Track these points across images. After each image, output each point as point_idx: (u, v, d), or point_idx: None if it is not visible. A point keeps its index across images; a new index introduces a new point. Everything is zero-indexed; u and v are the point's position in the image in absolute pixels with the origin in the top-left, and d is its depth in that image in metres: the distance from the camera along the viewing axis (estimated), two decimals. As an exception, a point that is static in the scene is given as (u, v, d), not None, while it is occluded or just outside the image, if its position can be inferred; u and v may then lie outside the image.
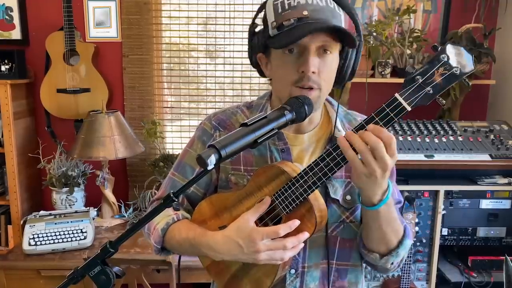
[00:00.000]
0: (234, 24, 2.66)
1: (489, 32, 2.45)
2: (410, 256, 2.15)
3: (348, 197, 1.04)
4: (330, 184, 1.03)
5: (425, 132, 2.34)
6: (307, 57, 0.92)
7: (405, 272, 2.11)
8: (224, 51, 2.72)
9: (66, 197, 2.46)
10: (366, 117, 0.86)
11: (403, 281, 2.12)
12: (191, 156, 1.13)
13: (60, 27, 2.47)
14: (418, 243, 2.26)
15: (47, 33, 2.49)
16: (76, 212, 2.33)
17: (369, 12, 2.63)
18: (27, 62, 2.56)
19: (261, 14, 1.00)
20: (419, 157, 2.17)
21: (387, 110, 0.83)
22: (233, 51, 2.69)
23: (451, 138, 2.30)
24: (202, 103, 2.80)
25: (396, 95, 0.83)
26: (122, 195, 2.68)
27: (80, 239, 2.17)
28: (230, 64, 2.72)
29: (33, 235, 2.14)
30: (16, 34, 2.59)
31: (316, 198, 0.93)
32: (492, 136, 2.32)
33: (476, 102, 2.69)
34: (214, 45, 2.72)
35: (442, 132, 2.34)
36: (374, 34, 2.39)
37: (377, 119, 0.84)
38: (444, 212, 2.20)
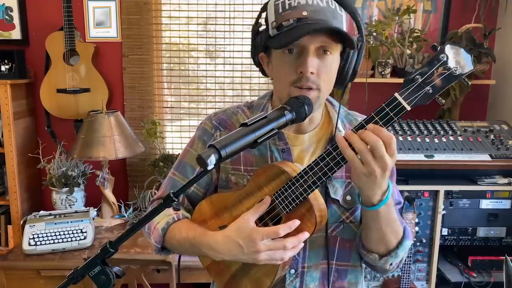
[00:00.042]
0: (234, 24, 2.66)
1: (489, 32, 2.45)
2: (410, 256, 2.15)
3: (348, 198, 1.04)
4: (330, 184, 1.03)
5: (425, 132, 2.34)
6: (305, 58, 0.92)
7: (405, 272, 2.11)
8: (224, 51, 2.72)
9: (66, 197, 2.46)
10: (366, 117, 0.86)
11: (403, 281, 2.12)
12: (192, 156, 1.13)
13: (60, 27, 2.47)
14: (418, 243, 2.26)
15: (47, 33, 2.49)
16: (76, 212, 2.33)
17: (369, 12, 2.63)
18: (27, 62, 2.56)
19: (265, 14, 1.00)
20: (419, 157, 2.17)
21: (387, 109, 0.83)
22: (233, 51, 2.69)
23: (451, 138, 2.30)
24: (202, 103, 2.80)
25: (396, 94, 0.83)
26: (122, 195, 2.68)
27: (80, 239, 2.17)
28: (230, 64, 2.72)
29: (33, 235, 2.14)
30: (16, 34, 2.59)
31: (316, 197, 0.93)
32: (492, 136, 2.32)
33: (476, 102, 2.69)
34: (214, 45, 2.72)
35: (442, 132, 2.34)
36: (374, 34, 2.39)
37: (376, 118, 0.84)
38: (444, 212, 2.20)
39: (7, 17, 2.58)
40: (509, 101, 2.59)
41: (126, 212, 2.55)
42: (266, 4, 0.99)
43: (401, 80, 0.84)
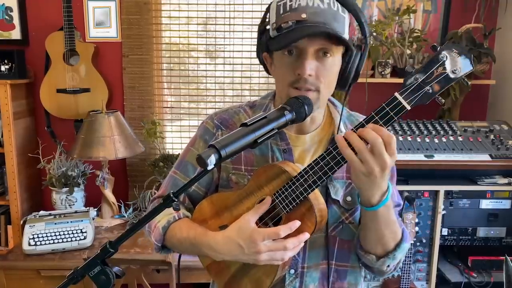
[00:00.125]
0: (234, 24, 2.65)
1: (489, 32, 2.45)
2: (410, 256, 2.15)
3: (349, 198, 1.04)
4: (331, 184, 1.03)
5: (425, 132, 2.34)
6: (303, 61, 0.92)
7: (405, 272, 2.11)
8: (224, 51, 2.72)
9: (66, 197, 2.46)
10: (367, 117, 0.86)
11: (403, 281, 2.12)
12: (193, 155, 1.13)
13: (60, 27, 2.47)
14: (418, 243, 2.26)
15: (47, 33, 2.49)
16: (76, 212, 2.33)
17: (369, 12, 2.63)
18: (27, 62, 2.56)
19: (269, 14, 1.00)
20: (419, 157, 2.17)
21: (387, 109, 0.83)
22: (233, 51, 2.69)
23: (451, 138, 2.30)
24: (202, 103, 2.80)
25: (396, 94, 0.83)
26: (122, 195, 2.68)
27: (80, 239, 2.17)
28: (230, 64, 2.72)
29: (33, 235, 2.14)
30: (16, 34, 2.59)
31: (316, 197, 0.94)
32: (492, 136, 2.32)
33: (476, 102, 2.69)
34: (214, 45, 2.72)
35: (442, 132, 2.34)
36: (374, 34, 2.39)
37: (377, 118, 0.84)
38: (444, 212, 2.20)
39: (7, 17, 2.58)
40: (509, 101, 2.59)
41: (126, 212, 2.55)
42: (270, 4, 0.99)
43: (401, 80, 0.84)
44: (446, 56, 0.80)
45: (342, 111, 1.06)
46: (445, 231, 2.23)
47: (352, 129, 0.85)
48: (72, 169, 2.47)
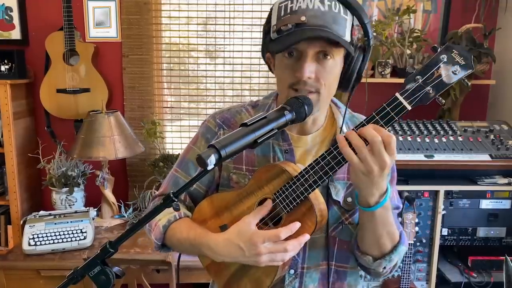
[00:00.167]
0: (234, 24, 2.65)
1: (489, 32, 2.45)
2: (410, 256, 2.15)
3: (349, 199, 1.04)
4: (332, 185, 1.03)
5: (425, 132, 2.34)
6: (302, 63, 0.92)
7: (405, 272, 2.11)
8: (224, 51, 2.72)
9: (66, 197, 2.46)
10: (367, 117, 0.86)
11: (403, 281, 2.12)
12: (194, 153, 1.13)
13: (60, 27, 2.47)
14: (418, 243, 2.26)
15: (47, 33, 2.49)
16: (76, 212, 2.33)
17: (369, 12, 2.63)
18: (27, 62, 2.56)
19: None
20: (419, 157, 2.17)
21: (388, 109, 0.83)
22: (233, 51, 2.69)
23: (451, 138, 2.30)
24: (202, 103, 2.80)
25: (397, 94, 0.83)
26: (122, 195, 2.68)
27: (80, 239, 2.17)
28: (230, 64, 2.72)
29: (33, 235, 2.14)
30: (16, 34, 2.59)
31: (317, 197, 0.94)
32: (492, 136, 2.32)
33: (476, 102, 2.69)
34: (214, 45, 2.72)
35: (442, 132, 2.34)
36: (374, 34, 2.39)
37: (377, 118, 0.84)
38: (444, 212, 2.20)
39: (7, 17, 2.58)
40: (509, 101, 2.59)
41: (126, 212, 2.55)
42: (273, 4, 0.99)
43: (401, 80, 0.84)
44: (446, 57, 0.80)
45: (345, 112, 1.06)
46: (445, 231, 2.23)
47: (352, 129, 0.85)
48: (72, 169, 2.47)
